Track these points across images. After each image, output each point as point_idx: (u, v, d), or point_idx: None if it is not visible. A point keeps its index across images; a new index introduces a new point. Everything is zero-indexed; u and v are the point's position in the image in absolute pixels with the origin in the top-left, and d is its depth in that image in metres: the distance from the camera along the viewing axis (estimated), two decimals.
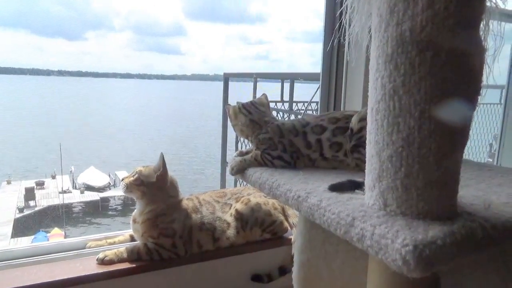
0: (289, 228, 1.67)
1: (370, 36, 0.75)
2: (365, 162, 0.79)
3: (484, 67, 0.69)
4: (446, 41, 0.63)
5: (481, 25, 0.66)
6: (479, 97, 0.69)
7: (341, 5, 0.92)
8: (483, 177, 1.00)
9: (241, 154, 1.23)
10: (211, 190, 1.69)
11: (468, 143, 0.72)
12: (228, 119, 1.27)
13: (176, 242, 1.45)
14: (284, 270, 1.64)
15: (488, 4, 0.68)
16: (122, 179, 1.47)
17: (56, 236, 12.01)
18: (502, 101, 2.65)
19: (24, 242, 10.95)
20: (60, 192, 16.33)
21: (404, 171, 0.69)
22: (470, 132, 0.71)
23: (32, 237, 12.29)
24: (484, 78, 0.70)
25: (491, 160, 3.23)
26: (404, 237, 0.62)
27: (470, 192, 0.86)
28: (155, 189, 1.44)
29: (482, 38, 0.67)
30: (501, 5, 0.74)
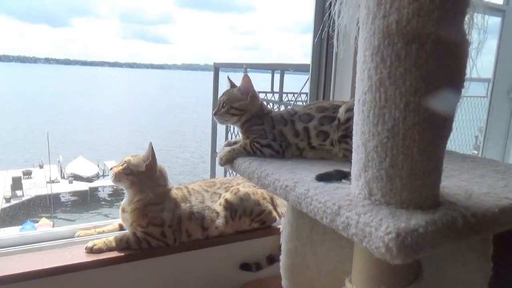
0: (277, 217, 1.69)
1: (358, 28, 0.76)
2: (352, 153, 0.80)
3: (468, 60, 0.70)
4: (431, 34, 0.64)
5: (466, 18, 0.68)
6: (463, 90, 0.71)
7: None
8: (466, 168, 1.02)
9: (229, 144, 1.23)
10: (201, 180, 1.69)
11: (454, 135, 0.74)
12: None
13: (165, 231, 1.45)
14: (273, 259, 1.66)
15: None
16: (111, 169, 1.47)
17: (44, 226, 11.90)
18: (488, 94, 2.70)
19: (11, 232, 10.82)
20: (48, 182, 16.13)
21: (389, 161, 0.70)
22: (456, 124, 0.73)
23: (20, 227, 12.16)
24: (467, 71, 0.71)
25: (476, 152, 3.28)
26: (388, 225, 0.63)
27: (453, 182, 0.88)
28: (144, 178, 1.45)
29: (466, 32, 0.68)
30: None
